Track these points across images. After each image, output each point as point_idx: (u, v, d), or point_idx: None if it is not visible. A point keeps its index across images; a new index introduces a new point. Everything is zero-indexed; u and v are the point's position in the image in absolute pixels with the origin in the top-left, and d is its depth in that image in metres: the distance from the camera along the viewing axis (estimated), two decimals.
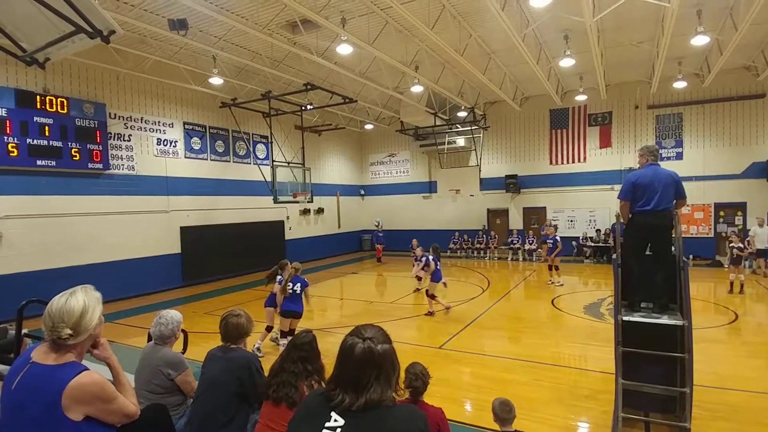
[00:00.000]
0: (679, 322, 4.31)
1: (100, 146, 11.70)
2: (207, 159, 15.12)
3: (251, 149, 16.90)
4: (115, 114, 12.26)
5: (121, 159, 12.42)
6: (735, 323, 8.73)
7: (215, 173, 15.38)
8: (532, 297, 12.16)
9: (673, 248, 4.75)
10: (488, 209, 20.45)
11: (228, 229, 15.55)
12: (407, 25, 10.52)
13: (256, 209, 16.71)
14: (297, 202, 17.93)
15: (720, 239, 15.91)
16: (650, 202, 4.60)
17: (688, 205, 15.89)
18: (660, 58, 12.31)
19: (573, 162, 18.52)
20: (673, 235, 4.73)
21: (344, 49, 10.50)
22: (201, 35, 10.63)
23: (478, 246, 19.83)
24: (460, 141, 19.99)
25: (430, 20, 9.69)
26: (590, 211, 18.06)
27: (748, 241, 12.97)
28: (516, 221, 19.75)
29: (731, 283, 11.12)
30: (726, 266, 11.25)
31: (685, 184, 4.76)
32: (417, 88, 14.25)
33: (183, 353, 3.62)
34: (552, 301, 11.07)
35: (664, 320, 4.42)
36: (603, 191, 17.59)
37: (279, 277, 7.46)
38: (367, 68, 12.97)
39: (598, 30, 10.42)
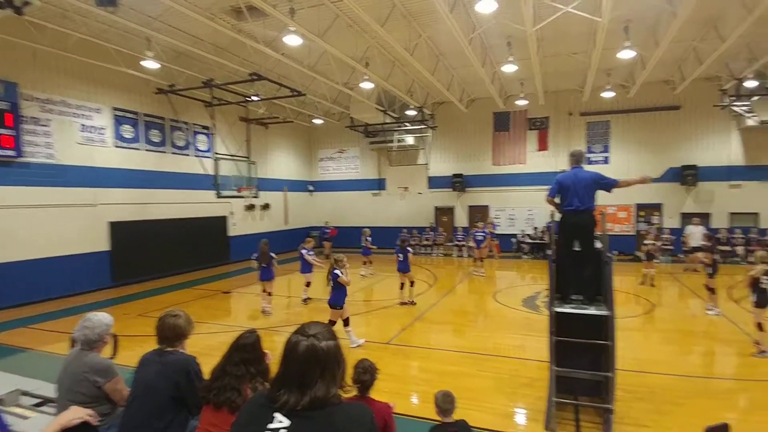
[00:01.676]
0: (604, 313, 4.75)
1: (12, 131, 10.48)
2: (141, 149, 14.19)
3: (191, 140, 16.16)
4: (30, 95, 11.04)
5: (38, 146, 11.21)
6: (651, 313, 9.63)
7: (150, 164, 14.48)
8: (475, 292, 12.68)
9: (598, 244, 5.22)
10: (436, 207, 21.01)
11: (165, 225, 14.73)
12: (358, 21, 10.54)
13: (197, 204, 16.03)
14: (242, 196, 17.50)
15: (640, 237, 17.35)
16: (572, 203, 5.08)
17: (612, 205, 17.36)
18: (592, 69, 13.25)
19: (514, 163, 19.46)
20: (597, 233, 5.23)
21: (292, 40, 10.24)
22: (134, 14, 9.85)
23: (425, 243, 20.31)
24: (410, 139, 20.35)
25: (381, 17, 9.80)
26: (529, 210, 19.05)
27: (671, 239, 14.36)
28: (461, 219, 20.45)
29: (646, 275, 12.21)
30: (649, 261, 12.37)
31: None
32: (367, 85, 14.33)
33: (112, 358, 3.36)
34: (494, 295, 11.62)
35: (591, 311, 4.84)
36: (540, 191, 18.62)
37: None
38: (317, 61, 12.87)
39: (538, 39, 11.00)
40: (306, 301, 10.91)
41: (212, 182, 15.72)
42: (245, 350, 2.85)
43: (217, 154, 16.10)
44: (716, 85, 15.69)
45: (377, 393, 3.38)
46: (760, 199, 16.44)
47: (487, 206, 20.01)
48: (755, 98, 14.94)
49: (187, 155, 15.98)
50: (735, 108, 15.68)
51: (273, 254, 10.18)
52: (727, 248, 15.90)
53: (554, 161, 18.38)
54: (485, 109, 19.42)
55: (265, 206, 19.77)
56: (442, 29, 10.90)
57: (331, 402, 1.47)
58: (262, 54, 11.81)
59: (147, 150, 14.43)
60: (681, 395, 5.47)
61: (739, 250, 15.81)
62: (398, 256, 10.55)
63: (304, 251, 11.04)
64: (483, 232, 15.02)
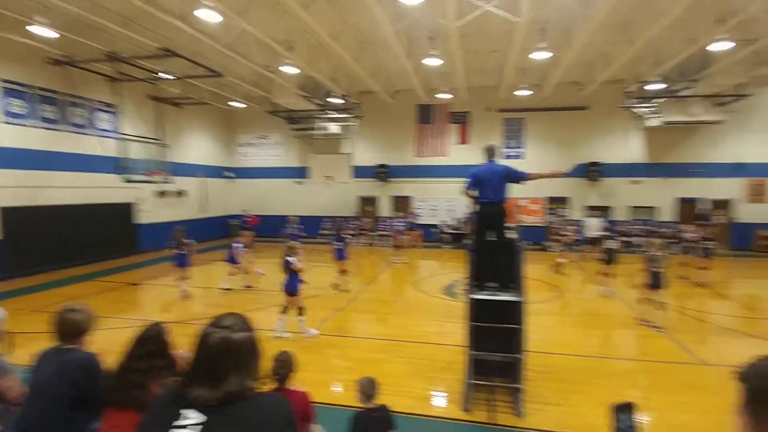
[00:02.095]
0: (516, 298, 5.01)
1: None
2: (33, 126, 12.62)
3: (92, 118, 14.60)
4: None
5: None
6: (559, 298, 10.43)
7: (45, 144, 12.93)
8: (397, 281, 12.88)
9: (511, 234, 5.51)
10: (360, 196, 21.01)
11: (64, 211, 13.29)
12: (281, 1, 10.08)
13: (100, 189, 14.61)
14: (152, 182, 16.20)
15: (550, 228, 18.70)
16: (487, 195, 5.35)
17: (525, 198, 18.52)
18: (509, 67, 13.92)
19: (437, 155, 20.02)
20: (509, 223, 5.52)
21: (207, 15, 9.51)
22: None
23: (350, 232, 20.23)
24: (334, 128, 20.08)
25: (306, 0, 9.47)
26: (450, 202, 19.73)
27: (577, 230, 15.64)
28: (385, 209, 20.67)
29: (558, 264, 13.19)
30: (558, 251, 13.37)
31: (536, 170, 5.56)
32: (290, 69, 13.84)
33: (2, 355, 3.00)
34: (415, 284, 11.89)
35: (505, 297, 5.09)
36: (460, 183, 19.36)
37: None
38: (236, 41, 12.16)
39: (460, 35, 11.30)
40: (228, 290, 10.60)
41: (118, 165, 14.33)
42: (149, 343, 2.64)
43: (123, 134, 14.68)
44: (621, 88, 17.21)
45: (299, 383, 3.29)
46: (658, 194, 18.41)
47: (410, 197, 20.42)
48: (662, 100, 16.47)
49: (88, 135, 14.42)
50: (637, 109, 17.34)
51: (189, 240, 9.87)
52: (627, 239, 17.70)
53: (475, 155, 18.88)
54: (409, 101, 19.69)
55: (180, 193, 18.50)
56: (368, 17, 10.79)
57: (245, 395, 1.42)
58: (175, 28, 10.86)
59: (41, 128, 12.83)
60: (586, 375, 5.95)
61: (638, 240, 17.66)
62: (336, 244, 10.86)
63: (234, 244, 10.87)
64: (403, 221, 15.84)
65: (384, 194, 20.85)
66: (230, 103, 19.14)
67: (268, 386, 2.91)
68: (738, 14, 9.42)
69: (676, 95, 15.77)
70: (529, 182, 5.60)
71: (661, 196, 18.37)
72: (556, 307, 9.80)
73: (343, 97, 17.88)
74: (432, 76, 17.26)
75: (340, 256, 10.85)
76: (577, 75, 16.80)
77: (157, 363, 2.59)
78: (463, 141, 19.73)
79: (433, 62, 13.04)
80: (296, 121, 19.99)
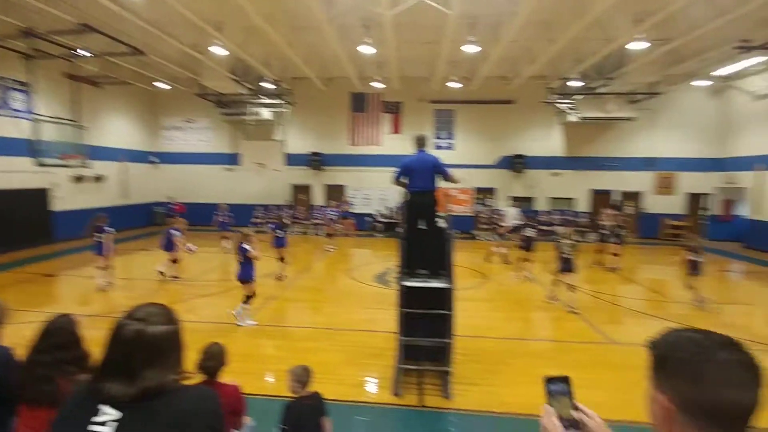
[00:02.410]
0: (445, 285, 5.20)
1: None
2: None
3: (5, 98, 13.13)
4: None
5: None
6: (485, 285, 10.97)
7: None
8: (331, 269, 12.85)
9: (441, 222, 5.70)
10: (293, 184, 20.60)
11: None
12: None
13: (12, 173, 13.23)
14: (68, 166, 14.87)
15: (478, 217, 19.50)
16: (417, 184, 5.49)
17: (456, 188, 19.14)
18: (441, 59, 14.22)
19: (370, 144, 20.08)
20: (439, 212, 5.70)
21: None
22: None
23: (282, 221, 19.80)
24: (266, 114, 19.42)
25: None
26: (382, 191, 19.92)
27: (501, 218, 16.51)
28: (319, 197, 20.45)
29: (493, 254, 13.81)
30: (493, 240, 14.04)
31: (453, 170, 5.75)
32: (220, 51, 13.15)
33: None
34: (348, 272, 11.93)
35: (434, 284, 5.26)
36: (392, 173, 19.62)
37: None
38: (161, 18, 11.33)
39: (394, 24, 11.34)
40: (163, 274, 10.35)
41: (31, 148, 12.97)
42: (55, 335, 2.48)
43: (37, 115, 13.28)
44: (544, 84, 18.18)
45: (230, 374, 3.21)
46: (575, 186, 19.78)
47: (343, 186, 20.36)
48: (579, 97, 17.57)
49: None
50: (558, 105, 18.43)
51: (109, 229, 9.45)
52: (548, 228, 18.94)
53: (407, 145, 19.09)
54: (343, 89, 19.51)
55: (99, 178, 17.06)
56: (301, 1, 10.49)
57: (165, 390, 1.35)
58: (95, 2, 9.92)
59: None
60: (509, 355, 6.34)
61: (558, 229, 18.89)
62: (276, 232, 10.85)
63: (172, 231, 10.54)
64: (336, 210, 16.22)
65: (317, 183, 20.61)
66: (155, 84, 17.87)
67: (196, 380, 2.83)
68: (655, 14, 10.05)
69: (594, 92, 16.88)
70: (460, 172, 5.82)
71: (578, 188, 19.80)
72: (482, 292, 10.30)
73: (275, 82, 17.33)
74: (366, 64, 17.20)
75: (280, 243, 10.80)
76: (504, 70, 17.51)
77: (64, 356, 2.43)
78: (396, 131, 19.96)
79: (367, 50, 12.99)
80: (226, 106, 19.10)
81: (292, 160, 19.91)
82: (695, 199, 19.55)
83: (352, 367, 5.78)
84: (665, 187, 19.55)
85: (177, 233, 10.48)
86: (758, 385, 0.97)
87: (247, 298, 7.39)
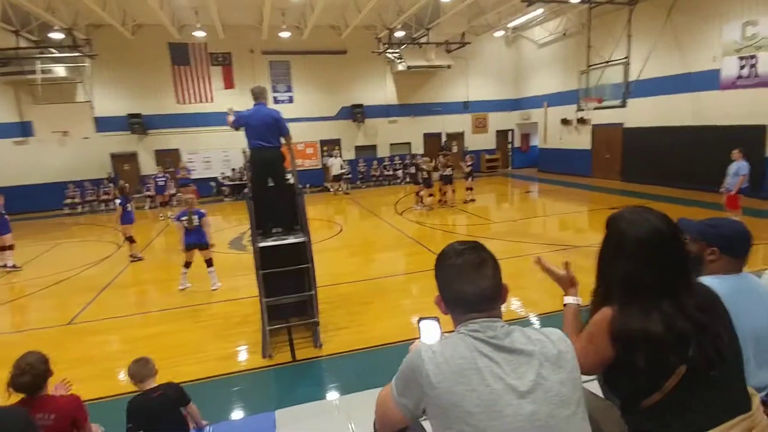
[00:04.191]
0: (301, 239, 5.21)
1: None
2: None
3: None
4: None
5: None
6: (341, 234, 11.32)
7: None
8: (176, 243, 11.72)
9: (290, 178, 5.61)
10: (111, 154, 17.77)
11: None
12: None
13: None
14: None
15: (325, 169, 19.66)
16: (260, 139, 5.25)
17: (301, 142, 18.89)
18: (266, 6, 13.36)
19: (200, 101, 18.25)
20: (287, 167, 5.58)
21: None
22: None
23: (105, 198, 17.13)
24: (60, 71, 15.99)
25: None
26: (224, 152, 18.57)
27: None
28: (149, 166, 18.08)
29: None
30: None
31: (296, 124, 5.62)
32: None
33: None
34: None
35: (291, 240, 5.24)
36: (234, 132, 18.29)
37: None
38: None
39: None
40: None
41: None
42: None
43: None
44: (373, 33, 18.56)
45: (69, 384, 2.79)
46: (409, 131, 21.11)
47: (177, 149, 18.34)
48: (403, 46, 18.37)
49: None
50: (388, 55, 19.08)
51: None
52: (390, 173, 20.11)
53: (242, 100, 18.10)
54: (158, 39, 17.07)
55: None
56: None
57: None
58: None
59: None
60: (368, 296, 6.74)
61: (399, 173, 20.17)
62: (125, 207, 9.38)
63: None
64: (163, 176, 15.13)
65: (144, 149, 18.15)
66: None
67: (12, 400, 2.38)
68: None
69: (416, 42, 17.98)
70: (303, 125, 5.69)
71: (412, 133, 21.28)
72: (338, 241, 10.64)
73: (66, 31, 14.20)
74: (180, 9, 15.26)
75: (128, 219, 9.46)
76: (333, 18, 17.34)
77: None
78: (229, 86, 18.46)
79: None
80: (3, 63, 15.13)
81: (106, 124, 17.07)
82: (503, 135, 22.86)
83: (218, 340, 5.52)
84: (481, 127, 22.31)
85: None
86: (484, 279, 1.31)
87: (210, 261, 7.33)
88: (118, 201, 9.43)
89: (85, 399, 2.70)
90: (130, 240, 9.57)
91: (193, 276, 7.49)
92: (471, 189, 14.18)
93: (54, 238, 12.41)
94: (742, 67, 11.97)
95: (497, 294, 1.34)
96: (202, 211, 7.26)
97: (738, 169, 8.51)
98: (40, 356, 2.55)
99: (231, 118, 5.48)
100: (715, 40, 12.61)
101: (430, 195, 13.72)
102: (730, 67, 12.24)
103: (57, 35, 14.41)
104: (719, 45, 12.47)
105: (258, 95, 5.41)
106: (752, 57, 11.68)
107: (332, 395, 4.24)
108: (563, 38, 18.51)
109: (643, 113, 15.01)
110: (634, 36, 13.95)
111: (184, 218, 7.09)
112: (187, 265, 7.30)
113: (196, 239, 7.18)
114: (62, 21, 13.52)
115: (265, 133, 5.23)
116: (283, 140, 5.44)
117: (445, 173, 13.50)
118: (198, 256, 7.31)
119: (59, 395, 2.62)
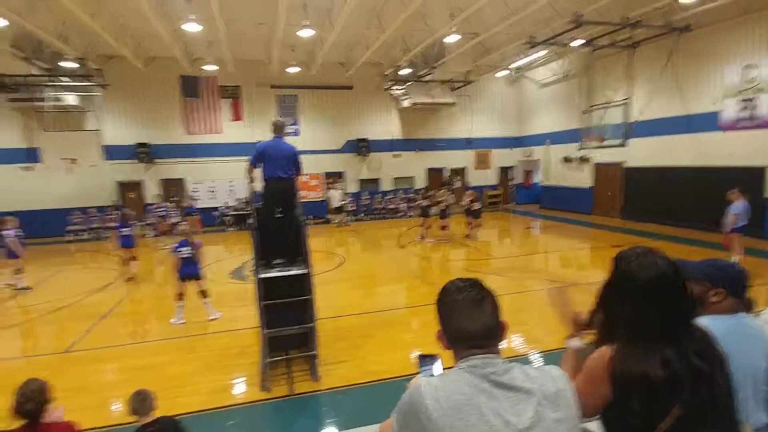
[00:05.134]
0: (303, 271, 5.21)
1: None
2: None
3: None
4: None
5: None
6: (342, 266, 11.29)
7: None
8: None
9: (297, 210, 5.66)
10: (118, 182, 17.99)
11: None
12: None
13: None
14: None
15: (328, 201, 19.78)
16: (276, 171, 5.35)
17: (305, 174, 19.11)
18: (276, 42, 13.83)
19: (209, 132, 18.60)
20: (296, 201, 5.64)
21: None
22: None
23: (110, 225, 17.18)
24: (71, 99, 16.38)
25: None
26: (230, 182, 18.76)
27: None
28: (153, 194, 18.24)
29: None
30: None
31: (301, 156, 5.72)
32: None
33: None
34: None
35: (293, 271, 5.24)
36: (240, 162, 18.58)
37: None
38: None
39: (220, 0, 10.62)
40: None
41: None
42: None
43: None
44: (380, 70, 19.11)
45: (67, 412, 2.75)
46: (413, 165, 21.40)
47: (182, 179, 18.56)
48: (409, 83, 18.86)
49: None
50: (393, 91, 19.59)
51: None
52: (393, 206, 20.25)
53: (250, 132, 18.57)
54: (170, 71, 17.58)
55: None
56: None
57: None
58: None
59: None
60: (369, 329, 6.66)
61: (402, 206, 20.31)
62: (121, 231, 10.26)
63: (5, 231, 9.63)
64: (163, 207, 15.66)
65: (150, 178, 18.36)
66: None
67: (15, 426, 2.37)
68: (465, 10, 11.39)
69: (421, 80, 18.48)
70: (309, 158, 5.80)
71: (416, 167, 21.54)
72: (340, 273, 10.59)
73: (78, 60, 14.60)
74: (193, 43, 15.80)
75: (128, 243, 10.18)
76: (341, 55, 17.89)
77: None
78: (237, 117, 18.85)
79: (192, 27, 11.87)
80: (13, 89, 15.54)
81: (114, 153, 17.34)
82: (505, 171, 23.13)
83: (215, 372, 5.43)
84: (483, 163, 22.60)
85: (11, 233, 9.43)
86: (483, 316, 1.34)
87: (204, 293, 7.34)
88: (116, 225, 10.27)
89: (80, 430, 2.66)
90: (125, 262, 10.16)
91: (190, 306, 7.44)
92: (472, 225, 14.17)
93: (56, 264, 12.41)
94: (742, 109, 12.21)
95: (496, 331, 1.36)
96: (198, 241, 7.33)
97: (732, 208, 8.58)
98: (42, 383, 2.58)
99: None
100: (715, 83, 12.92)
101: (444, 227, 13.74)
102: (730, 109, 12.50)
103: (69, 64, 14.77)
104: (720, 87, 12.77)
105: (279, 128, 5.57)
106: (752, 99, 11.94)
107: (330, 431, 4.13)
108: (565, 79, 18.98)
109: (644, 153, 15.21)
110: (635, 78, 14.30)
111: (182, 249, 7.09)
112: (181, 297, 7.24)
113: (192, 270, 7.20)
114: (75, 50, 13.92)
115: (284, 164, 5.36)
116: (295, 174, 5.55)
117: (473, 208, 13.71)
118: (191, 288, 7.28)
119: (54, 423, 2.59)
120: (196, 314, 7.39)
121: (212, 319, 7.28)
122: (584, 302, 2.01)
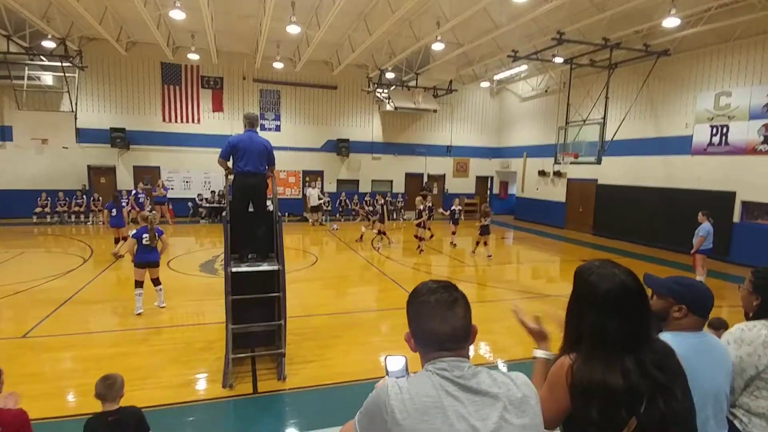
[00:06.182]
0: (275, 267, 5.18)
1: None
2: None
3: None
4: None
5: None
6: (315, 264, 11.24)
7: None
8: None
9: (270, 205, 5.62)
10: (89, 166, 17.46)
11: None
12: None
13: None
14: None
15: (305, 199, 19.65)
16: (247, 164, 5.28)
17: (283, 171, 18.99)
18: (262, 36, 13.72)
19: (187, 122, 18.27)
20: (269, 195, 5.61)
21: None
22: None
23: (77, 209, 16.69)
24: (48, 79, 15.89)
25: None
26: (206, 173, 18.48)
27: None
28: (126, 181, 17.79)
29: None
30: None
31: (280, 153, 5.69)
32: None
33: None
34: (167, 263, 10.80)
35: (264, 267, 5.20)
36: (217, 154, 18.18)
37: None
38: None
39: None
40: None
41: None
42: None
43: None
44: (364, 72, 19.14)
45: (20, 398, 2.65)
46: (392, 169, 21.47)
47: (158, 167, 18.16)
48: (392, 87, 18.96)
49: None
50: (376, 94, 19.62)
51: None
52: (371, 208, 20.17)
53: (230, 124, 18.33)
54: (151, 57, 17.23)
55: None
56: None
57: None
58: None
59: None
60: (338, 330, 6.65)
61: (378, 209, 20.23)
62: (111, 212, 10.95)
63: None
64: (142, 194, 15.30)
65: (123, 164, 17.90)
66: None
67: None
68: (451, 20, 11.55)
69: (405, 85, 18.63)
70: (288, 154, 5.76)
71: (395, 171, 21.63)
72: (312, 272, 10.55)
73: (58, 40, 14.19)
74: (177, 32, 15.52)
75: (118, 223, 10.94)
76: (327, 54, 17.86)
77: None
78: (217, 109, 18.58)
79: (177, 15, 11.67)
80: None
81: (87, 135, 16.84)
82: (482, 181, 23.45)
83: (177, 365, 5.33)
84: (462, 171, 22.88)
85: None
86: (454, 318, 1.32)
87: (157, 280, 7.31)
88: (107, 206, 11.00)
89: (33, 418, 2.57)
90: (116, 241, 10.93)
91: (153, 297, 7.28)
92: (454, 233, 14.29)
93: (20, 246, 11.97)
94: (713, 135, 12.72)
95: (467, 334, 1.34)
96: (161, 229, 7.19)
97: (700, 230, 8.92)
98: None
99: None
100: (688, 108, 13.45)
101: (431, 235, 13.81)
102: (701, 134, 13.01)
103: (49, 44, 14.38)
104: (692, 112, 13.29)
105: (252, 122, 5.47)
106: (724, 126, 12.46)
107: None
108: (545, 94, 19.43)
109: (617, 171, 15.69)
110: (611, 98, 14.75)
111: (144, 235, 6.95)
112: (140, 284, 7.08)
113: (152, 257, 7.07)
114: (56, 30, 13.55)
115: (255, 159, 5.28)
116: (268, 169, 5.51)
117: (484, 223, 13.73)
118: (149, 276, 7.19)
119: (6, 408, 2.50)
120: (156, 306, 7.24)
121: (161, 307, 7.29)
122: (552, 314, 2.08)
